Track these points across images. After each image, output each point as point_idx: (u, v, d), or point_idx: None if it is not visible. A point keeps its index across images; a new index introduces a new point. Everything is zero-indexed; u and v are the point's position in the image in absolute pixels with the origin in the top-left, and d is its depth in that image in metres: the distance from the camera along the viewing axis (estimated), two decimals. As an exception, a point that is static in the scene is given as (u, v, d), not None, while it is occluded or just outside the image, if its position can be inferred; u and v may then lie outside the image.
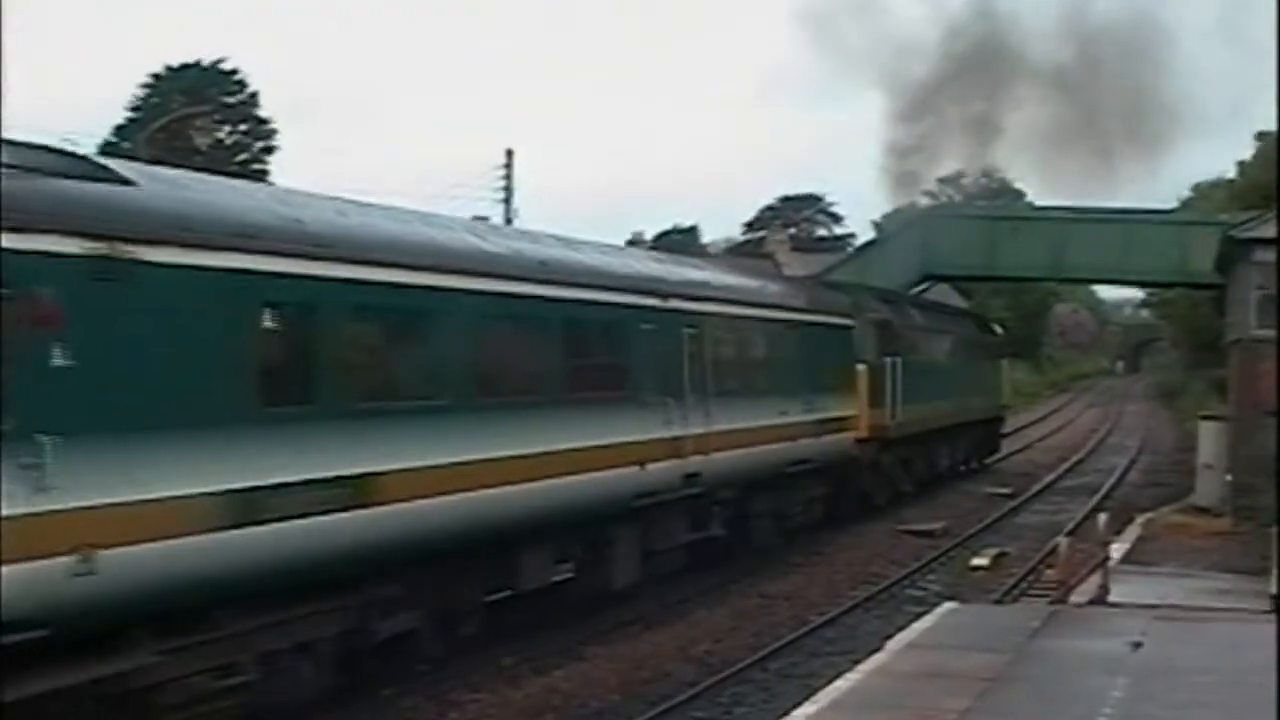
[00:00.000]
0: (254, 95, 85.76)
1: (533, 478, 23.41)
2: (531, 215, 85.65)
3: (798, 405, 36.35)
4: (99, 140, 74.53)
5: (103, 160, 17.49)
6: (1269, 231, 42.96)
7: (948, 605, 26.21)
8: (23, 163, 15.37)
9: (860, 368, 43.20)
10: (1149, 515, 44.37)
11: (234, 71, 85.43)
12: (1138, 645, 21.17)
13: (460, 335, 21.99)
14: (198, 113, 69.86)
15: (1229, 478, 42.74)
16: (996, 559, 37.42)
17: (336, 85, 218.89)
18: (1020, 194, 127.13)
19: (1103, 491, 54.72)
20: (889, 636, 23.01)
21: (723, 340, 32.47)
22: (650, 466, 27.96)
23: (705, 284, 32.97)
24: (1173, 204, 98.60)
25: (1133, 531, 40.06)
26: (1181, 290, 74.22)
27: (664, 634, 27.44)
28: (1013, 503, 51.10)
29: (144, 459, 15.68)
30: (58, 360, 14.69)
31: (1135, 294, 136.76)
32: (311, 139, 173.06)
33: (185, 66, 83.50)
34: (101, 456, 15.13)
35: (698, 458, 29.95)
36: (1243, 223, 45.98)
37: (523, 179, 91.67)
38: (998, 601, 31.32)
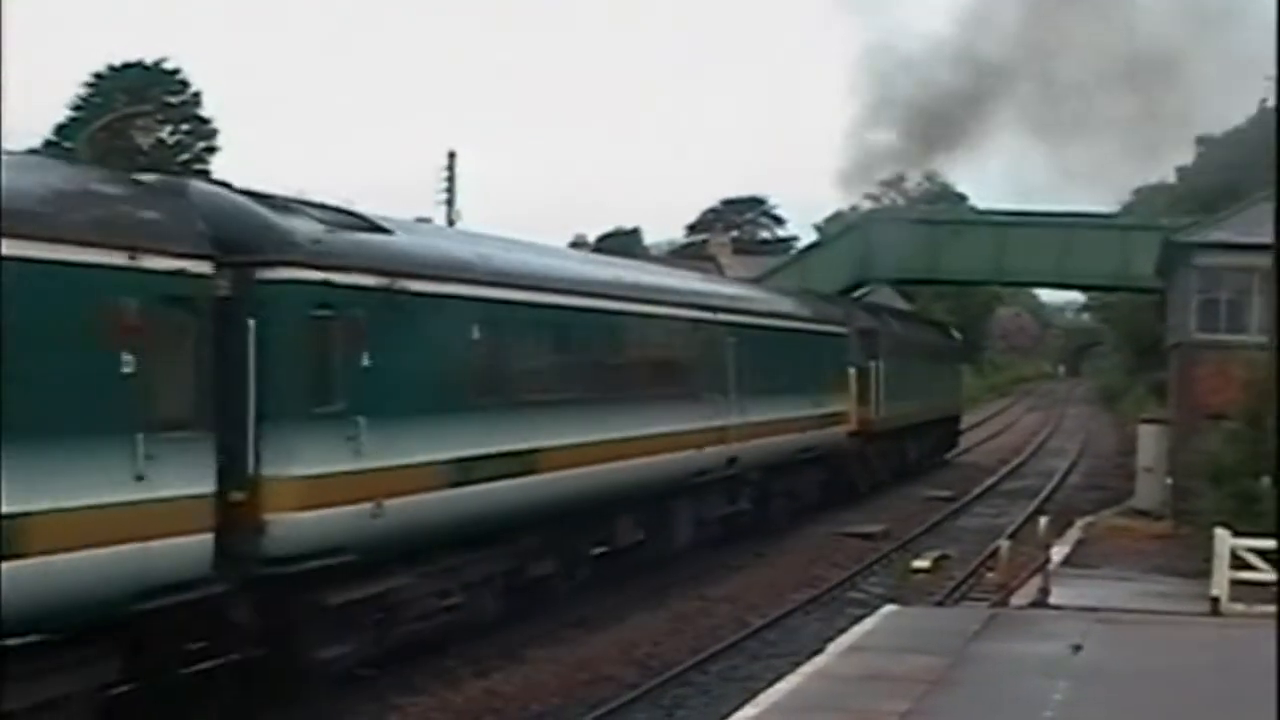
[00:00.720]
0: (196, 95, 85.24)
1: (631, 456, 30.16)
2: (473, 216, 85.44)
3: (807, 402, 43.25)
4: (41, 138, 74.05)
5: (370, 215, 23.12)
6: (1208, 236, 43.16)
7: (889, 608, 26.19)
8: (333, 221, 21.68)
9: (851, 370, 49.17)
10: (1090, 518, 44.52)
11: (176, 71, 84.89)
12: (1078, 648, 21.17)
13: (591, 344, 29.13)
14: (139, 112, 69.32)
15: (1169, 481, 42.91)
16: (937, 562, 37.46)
17: (278, 86, 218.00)
18: (962, 197, 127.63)
19: (1044, 495, 54.94)
20: (830, 639, 22.98)
21: (753, 346, 38.40)
22: (705, 450, 34.70)
23: (740, 298, 40.60)
24: (1114, 208, 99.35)
25: (1073, 535, 40.17)
26: (1123, 294, 74.46)
27: (605, 637, 27.36)
28: (953, 506, 51.20)
29: (409, 434, 22.06)
30: (364, 362, 21.01)
31: (1077, 298, 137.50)
32: (254, 139, 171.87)
33: (127, 65, 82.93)
34: (388, 432, 21.36)
35: (737, 444, 36.71)
36: (1183, 227, 46.21)
37: (465, 180, 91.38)
38: (939, 604, 31.37)
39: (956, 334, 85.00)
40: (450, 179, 65.31)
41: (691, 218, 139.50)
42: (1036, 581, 28.62)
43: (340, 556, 20.33)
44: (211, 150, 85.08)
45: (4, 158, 16.58)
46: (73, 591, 15.91)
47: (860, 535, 42.15)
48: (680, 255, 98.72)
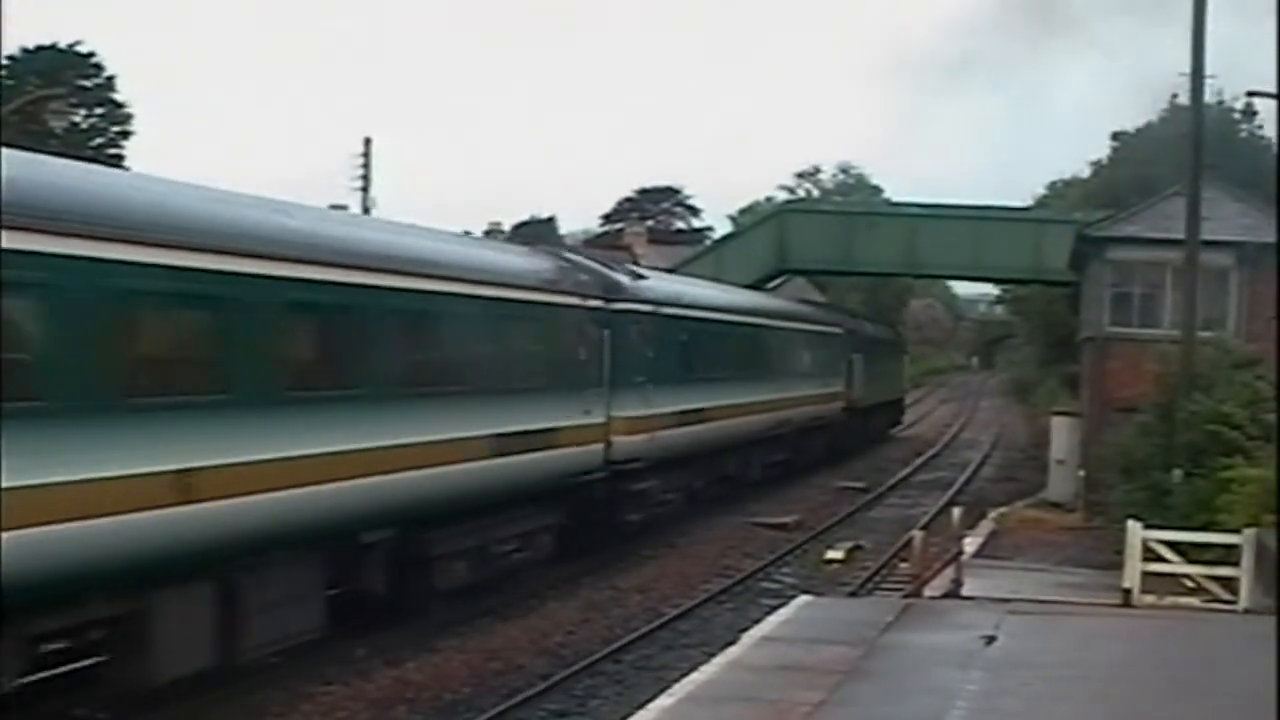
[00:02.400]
0: (111, 79, 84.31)
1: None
2: (389, 204, 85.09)
3: (820, 383, 58.16)
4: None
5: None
6: (1122, 230, 43.42)
7: (802, 598, 26.20)
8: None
9: (844, 361, 63.86)
10: (1002, 510, 44.74)
11: (91, 54, 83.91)
12: (991, 639, 21.19)
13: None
14: (53, 95, 68.44)
15: (1081, 473, 43.15)
16: (850, 552, 37.53)
17: (193, 70, 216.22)
18: (878, 189, 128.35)
19: (956, 486, 55.15)
20: (743, 629, 22.95)
21: (793, 344, 54.59)
22: (767, 415, 48.32)
23: (786, 311, 56.17)
24: (1027, 202, 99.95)
25: (986, 526, 40.34)
26: (1035, 287, 74.88)
27: (516, 626, 27.23)
28: (867, 496, 51.31)
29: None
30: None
31: (990, 290, 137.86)
32: (169, 124, 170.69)
33: (41, 48, 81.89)
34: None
35: (785, 412, 51.13)
36: (1096, 221, 46.47)
37: (380, 168, 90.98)
38: (852, 595, 31.43)
39: (898, 331, 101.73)
40: (366, 166, 64.94)
41: (607, 207, 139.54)
42: (949, 573, 28.67)
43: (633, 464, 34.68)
44: (126, 135, 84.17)
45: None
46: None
47: (773, 525, 42.15)
48: (595, 244, 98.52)
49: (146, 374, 18.41)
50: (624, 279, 35.93)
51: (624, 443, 34.17)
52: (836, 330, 63.46)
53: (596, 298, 33.24)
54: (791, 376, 52.92)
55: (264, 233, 21.05)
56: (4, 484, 15.43)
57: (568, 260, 34.46)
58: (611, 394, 33.57)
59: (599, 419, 32.96)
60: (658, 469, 36.74)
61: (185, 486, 18.35)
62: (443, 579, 26.69)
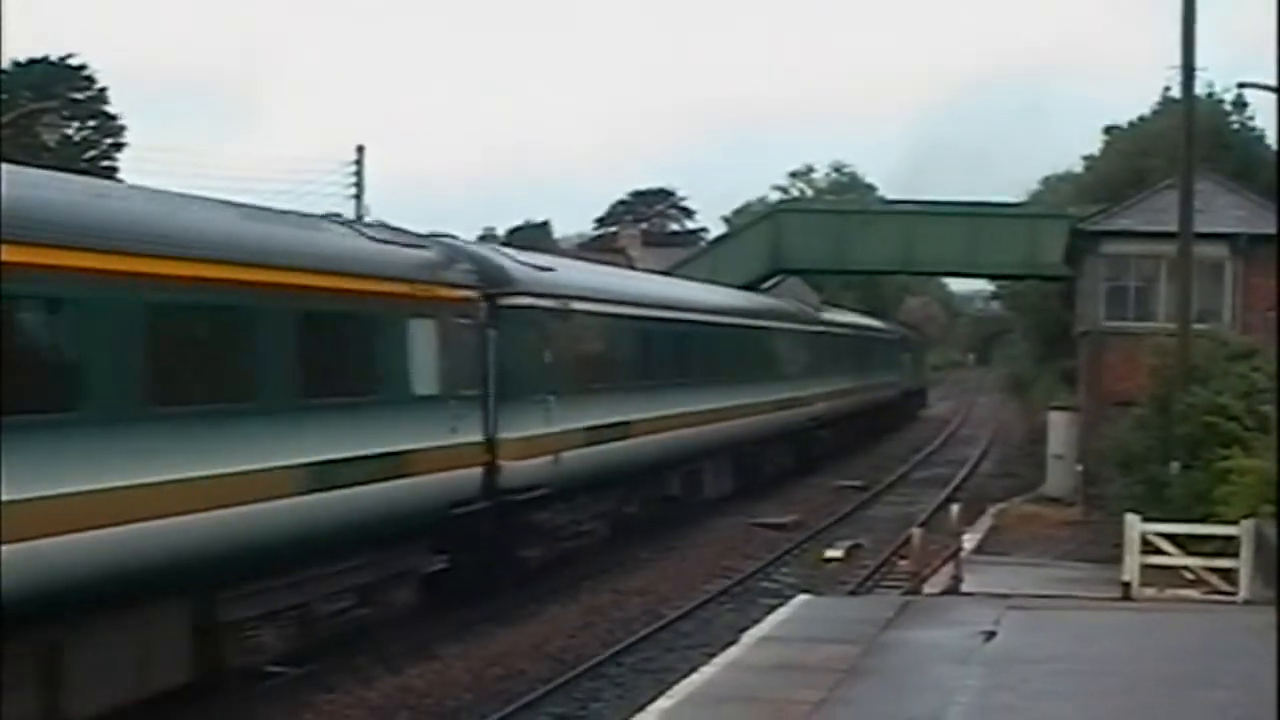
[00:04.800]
0: (103, 91, 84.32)
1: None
2: (381, 210, 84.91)
3: (884, 375, 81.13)
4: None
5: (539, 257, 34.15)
6: (1116, 224, 43.45)
7: (802, 597, 26.19)
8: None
9: (899, 358, 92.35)
10: (1001, 506, 44.74)
11: (82, 67, 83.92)
12: (991, 635, 21.19)
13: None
14: (45, 108, 68.40)
15: (1079, 468, 43.18)
16: (850, 551, 37.53)
17: (184, 80, 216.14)
18: (871, 188, 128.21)
19: (955, 483, 55.18)
20: (743, 629, 22.92)
21: (833, 346, 63.37)
22: (798, 410, 54.49)
23: (832, 321, 66.71)
24: (1022, 197, 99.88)
25: (985, 522, 40.33)
26: (1031, 282, 74.89)
27: (517, 631, 27.22)
28: (865, 495, 51.30)
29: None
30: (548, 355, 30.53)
31: (985, 286, 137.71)
32: (160, 135, 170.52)
33: (33, 61, 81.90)
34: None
35: (821, 405, 58.60)
36: (1090, 215, 46.48)
37: (374, 174, 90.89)
38: (851, 593, 31.43)
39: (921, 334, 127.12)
40: (359, 173, 64.89)
41: (601, 211, 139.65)
42: (949, 569, 28.68)
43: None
44: (119, 147, 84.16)
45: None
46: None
47: (772, 525, 42.14)
48: (590, 247, 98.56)
49: None
50: (514, 268, 29.78)
51: (516, 467, 27.73)
52: (894, 336, 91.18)
53: (471, 289, 26.91)
54: (858, 372, 69.85)
55: None
56: None
57: (431, 245, 27.32)
58: (497, 408, 27.43)
59: (474, 438, 26.62)
60: (567, 496, 31.20)
61: None
62: (243, 653, 20.82)
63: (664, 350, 38.63)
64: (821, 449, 60.13)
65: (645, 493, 37.67)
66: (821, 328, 61.31)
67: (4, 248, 15.75)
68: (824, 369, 59.18)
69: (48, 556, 16.05)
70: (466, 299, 26.99)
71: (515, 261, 30.87)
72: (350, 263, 23.35)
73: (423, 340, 25.17)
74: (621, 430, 34.22)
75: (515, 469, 28.16)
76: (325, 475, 21.36)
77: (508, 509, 28.13)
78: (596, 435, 32.42)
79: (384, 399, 23.77)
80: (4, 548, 15.34)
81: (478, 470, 26.87)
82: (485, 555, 27.92)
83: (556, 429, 30.11)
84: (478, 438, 26.91)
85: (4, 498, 15.36)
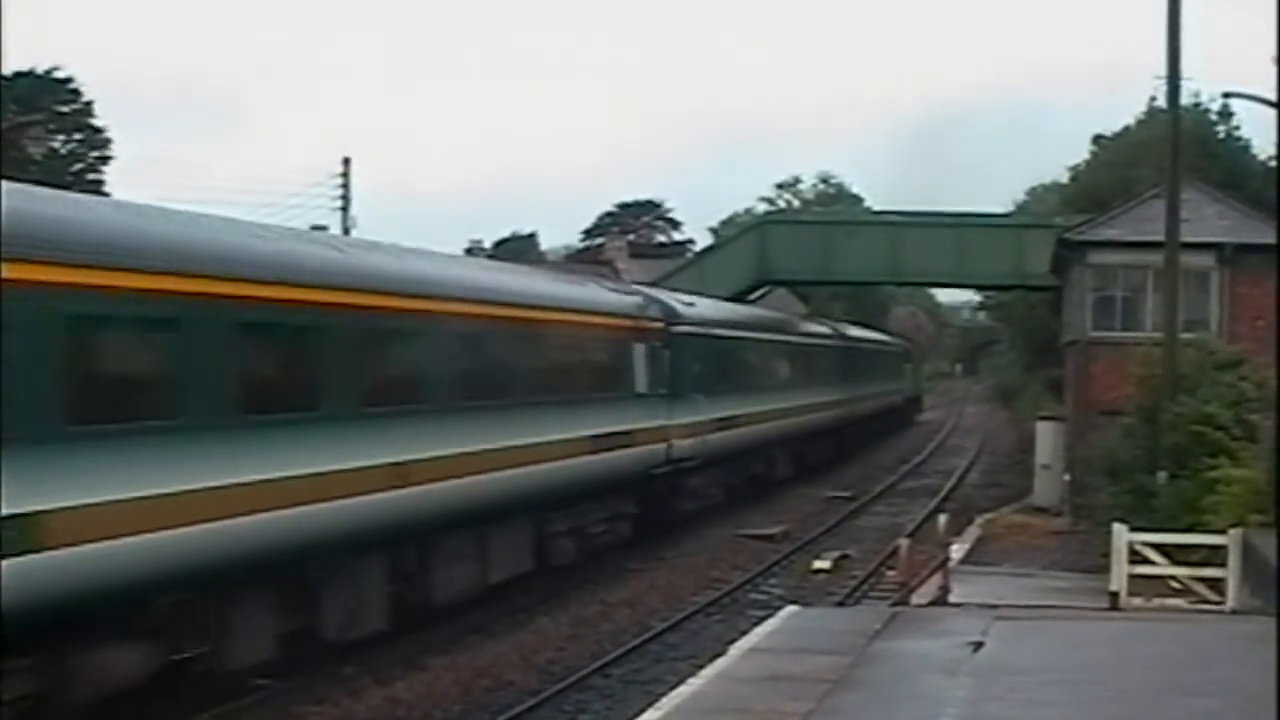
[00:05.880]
0: (89, 104, 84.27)
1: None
2: (368, 222, 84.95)
3: (890, 383, 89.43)
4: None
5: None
6: (1102, 234, 43.49)
7: (790, 609, 26.13)
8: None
9: (905, 367, 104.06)
10: (989, 516, 44.80)
11: (69, 80, 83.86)
12: (979, 645, 21.17)
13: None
14: (31, 122, 68.50)
15: (1066, 477, 43.23)
16: (838, 562, 37.53)
17: (169, 91, 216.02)
18: (858, 199, 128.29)
19: (943, 493, 55.20)
20: (731, 641, 22.86)
21: (863, 358, 75.01)
22: (843, 409, 66.27)
23: (859, 337, 78.28)
24: (1008, 207, 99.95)
25: (973, 532, 40.38)
26: (1018, 292, 74.98)
27: (506, 643, 27.21)
28: (853, 505, 51.31)
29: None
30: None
31: (972, 297, 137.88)
32: (147, 148, 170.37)
33: (18, 75, 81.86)
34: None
35: (853, 406, 69.48)
36: (1077, 225, 46.51)
37: (361, 186, 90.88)
38: (839, 604, 31.43)
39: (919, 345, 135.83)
40: (346, 186, 64.99)
41: (588, 223, 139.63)
42: (937, 580, 28.69)
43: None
44: (105, 160, 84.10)
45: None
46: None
47: (760, 536, 42.15)
48: (576, 259, 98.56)
49: None
50: (679, 306, 43.32)
51: (681, 444, 40.10)
52: (899, 348, 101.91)
53: (659, 321, 39.83)
54: (864, 379, 75.09)
55: None
56: None
57: (637, 293, 41.57)
58: (670, 403, 39.53)
59: (660, 423, 39.28)
60: (705, 468, 43.36)
61: None
62: (555, 554, 32.67)
63: (762, 362, 53.65)
64: (857, 440, 74.23)
65: (741, 471, 49.25)
66: (853, 343, 75.31)
67: None
68: (857, 377, 72.63)
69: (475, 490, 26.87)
70: (657, 329, 39.20)
71: (678, 301, 43.02)
72: (607, 307, 36.80)
73: (639, 357, 37.71)
74: (735, 421, 45.75)
75: (681, 446, 39.97)
76: (600, 443, 33.71)
77: (676, 474, 39.86)
78: (722, 424, 44.14)
79: (624, 395, 36.28)
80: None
81: (663, 446, 38.76)
82: (660, 507, 39.80)
83: (703, 418, 41.84)
84: (662, 423, 38.42)
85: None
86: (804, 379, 58.94)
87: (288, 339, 21.88)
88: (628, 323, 37.33)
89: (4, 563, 15.88)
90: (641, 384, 37.42)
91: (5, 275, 16.23)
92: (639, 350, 37.62)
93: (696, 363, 41.59)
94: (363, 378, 23.62)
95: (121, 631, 18.74)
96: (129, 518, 17.81)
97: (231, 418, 20.14)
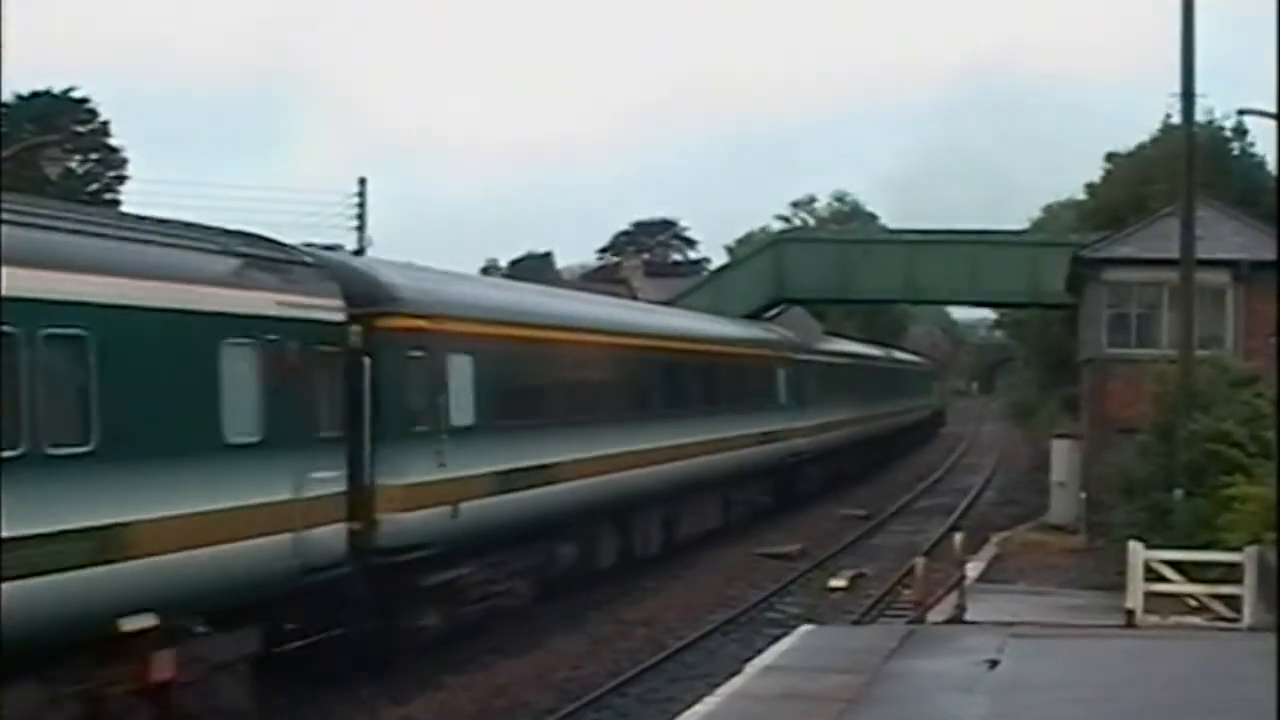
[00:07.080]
0: (105, 124, 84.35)
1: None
2: (385, 241, 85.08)
3: (921, 397, 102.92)
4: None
5: None
6: (1117, 252, 43.45)
7: (806, 627, 26.18)
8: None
9: (933, 384, 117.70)
10: (1005, 534, 44.72)
11: (85, 100, 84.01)
12: (994, 663, 21.18)
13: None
14: (47, 142, 68.46)
15: (1083, 495, 43.11)
16: (854, 580, 37.53)
17: (188, 108, 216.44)
18: (873, 217, 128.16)
19: (959, 511, 55.13)
20: (747, 660, 22.91)
21: (907, 376, 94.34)
22: (898, 418, 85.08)
23: (901, 359, 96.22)
24: (1024, 225, 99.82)
25: (989, 550, 40.31)
26: (1033, 310, 74.87)
27: (522, 662, 27.21)
28: (869, 524, 51.28)
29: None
30: None
31: (988, 315, 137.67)
32: (163, 167, 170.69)
33: (35, 95, 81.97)
34: None
35: (902, 418, 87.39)
36: (1093, 243, 46.46)
37: (376, 205, 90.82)
38: (855, 622, 31.42)
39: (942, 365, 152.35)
40: (361, 205, 65.01)
41: (604, 241, 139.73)
42: (953, 598, 28.69)
43: None
44: (121, 180, 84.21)
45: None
46: None
47: (777, 555, 42.16)
48: (592, 278, 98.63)
49: None
50: (798, 338, 59.12)
51: (799, 443, 53.90)
52: (927, 367, 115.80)
53: (791, 350, 55.85)
54: (902, 395, 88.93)
55: None
56: None
57: (773, 329, 56.35)
58: (790, 409, 53.52)
59: (783, 426, 52.23)
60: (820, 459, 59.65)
61: None
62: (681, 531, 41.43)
63: (849, 382, 66.63)
64: (902, 445, 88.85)
65: (832, 465, 63.36)
66: (899, 365, 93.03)
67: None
68: (900, 392, 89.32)
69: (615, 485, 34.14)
70: (793, 358, 54.18)
71: (797, 333, 57.83)
72: (765, 341, 53.06)
73: (780, 376, 52.39)
74: (830, 426, 59.66)
75: (800, 443, 53.60)
76: (763, 438, 48.47)
77: (800, 463, 54.59)
78: (827, 427, 58.63)
79: (774, 405, 51.05)
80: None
81: (793, 442, 52.47)
82: (790, 485, 54.27)
83: (811, 423, 55.33)
84: (784, 426, 51.23)
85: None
86: (874, 394, 73.93)
87: (655, 368, 38.85)
88: (773, 352, 52.93)
89: None
90: (783, 397, 52.15)
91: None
92: (781, 373, 52.61)
93: (811, 380, 55.98)
94: (660, 393, 39.11)
95: None
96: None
97: (644, 413, 37.26)
